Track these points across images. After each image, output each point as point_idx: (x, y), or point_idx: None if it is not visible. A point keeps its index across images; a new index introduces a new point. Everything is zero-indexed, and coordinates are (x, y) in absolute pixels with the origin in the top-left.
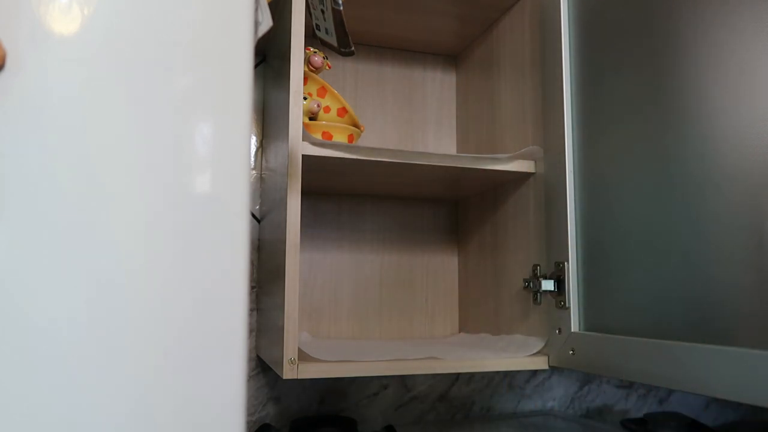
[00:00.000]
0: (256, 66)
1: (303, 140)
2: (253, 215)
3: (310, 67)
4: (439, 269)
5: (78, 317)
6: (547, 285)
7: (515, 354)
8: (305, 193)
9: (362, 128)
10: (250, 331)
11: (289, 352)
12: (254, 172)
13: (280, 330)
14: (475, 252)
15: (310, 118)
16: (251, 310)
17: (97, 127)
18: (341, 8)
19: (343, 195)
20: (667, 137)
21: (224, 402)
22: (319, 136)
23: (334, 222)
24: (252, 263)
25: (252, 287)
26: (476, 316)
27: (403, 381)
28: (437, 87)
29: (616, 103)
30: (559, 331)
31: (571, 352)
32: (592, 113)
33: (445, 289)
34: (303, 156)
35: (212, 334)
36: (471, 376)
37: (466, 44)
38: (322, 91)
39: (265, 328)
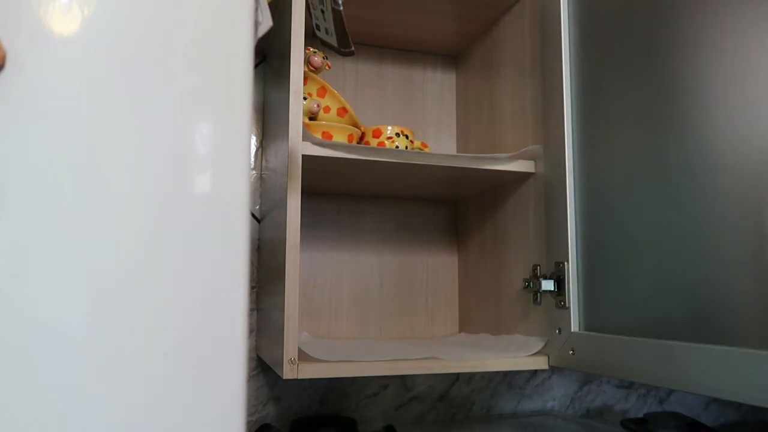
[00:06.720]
0: (256, 66)
1: (303, 140)
2: (253, 215)
3: (310, 67)
4: (439, 269)
5: (77, 317)
6: (547, 285)
7: (515, 354)
8: (305, 193)
9: (362, 128)
10: (250, 331)
11: (289, 352)
12: (254, 172)
13: (280, 330)
14: (475, 252)
15: (310, 118)
16: (251, 310)
17: (97, 127)
18: (341, 8)
19: (343, 195)
20: (667, 137)
21: (224, 402)
22: (319, 136)
23: (334, 222)
24: (252, 263)
25: (252, 287)
26: (476, 316)
27: (403, 381)
28: (437, 87)
29: (617, 102)
30: (559, 331)
31: (571, 352)
32: (592, 113)
33: (445, 289)
34: (303, 156)
35: (212, 334)
36: (471, 376)
37: (466, 44)
38: (322, 91)
39: (265, 328)
